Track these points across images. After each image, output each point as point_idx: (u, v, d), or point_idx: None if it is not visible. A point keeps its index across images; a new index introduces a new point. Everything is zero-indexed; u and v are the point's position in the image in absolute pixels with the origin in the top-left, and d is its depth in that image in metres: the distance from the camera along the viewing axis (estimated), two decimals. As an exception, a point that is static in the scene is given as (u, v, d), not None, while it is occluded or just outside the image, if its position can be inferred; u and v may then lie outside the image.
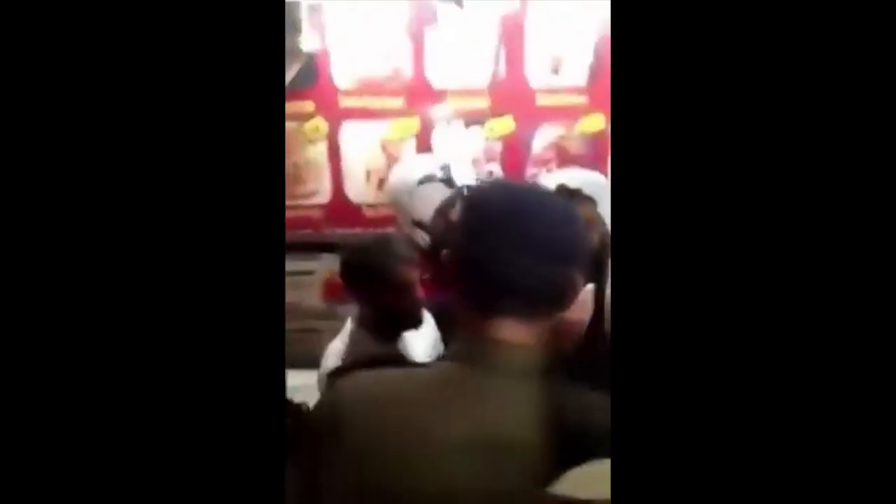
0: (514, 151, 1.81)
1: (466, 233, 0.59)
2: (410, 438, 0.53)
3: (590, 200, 1.07)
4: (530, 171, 1.84)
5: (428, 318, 1.19)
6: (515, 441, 0.52)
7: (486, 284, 0.56)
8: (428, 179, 1.34)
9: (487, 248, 0.55)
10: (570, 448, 0.51)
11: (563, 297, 0.58)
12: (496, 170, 1.83)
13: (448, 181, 1.34)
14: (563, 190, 1.02)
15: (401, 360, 0.63)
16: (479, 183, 1.45)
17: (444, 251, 0.63)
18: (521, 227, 0.55)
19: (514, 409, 0.54)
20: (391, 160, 1.77)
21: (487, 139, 1.79)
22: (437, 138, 1.78)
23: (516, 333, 0.56)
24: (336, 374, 0.62)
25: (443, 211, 1.33)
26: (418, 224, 1.35)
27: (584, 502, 0.44)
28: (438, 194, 1.34)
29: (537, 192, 0.60)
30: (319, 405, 0.60)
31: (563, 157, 1.83)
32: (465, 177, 1.38)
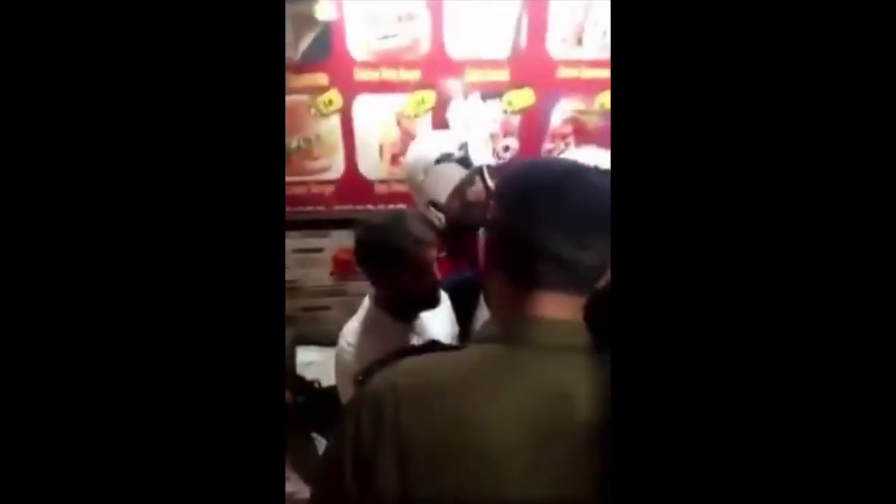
0: (531, 125, 1.76)
1: (507, 207, 0.58)
2: (463, 427, 0.50)
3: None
4: (547, 145, 1.79)
5: (444, 298, 1.18)
6: (573, 420, 0.50)
7: (528, 258, 0.55)
8: (445, 158, 1.30)
9: (529, 220, 0.54)
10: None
11: (602, 269, 0.57)
12: (513, 144, 1.79)
13: (464, 160, 1.30)
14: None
15: (436, 346, 0.61)
16: (496, 162, 1.40)
17: (483, 228, 0.61)
18: (561, 199, 0.54)
19: (566, 387, 0.51)
20: (406, 135, 1.73)
21: (505, 112, 1.75)
22: (453, 112, 1.74)
23: (558, 309, 0.55)
24: (370, 370, 0.58)
25: (459, 190, 1.30)
26: (433, 204, 1.33)
27: None
28: (455, 174, 1.30)
29: (575, 165, 0.58)
30: (357, 401, 0.55)
31: (581, 133, 1.78)
32: (483, 156, 1.35)
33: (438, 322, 1.16)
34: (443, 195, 1.30)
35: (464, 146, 1.31)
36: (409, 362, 0.56)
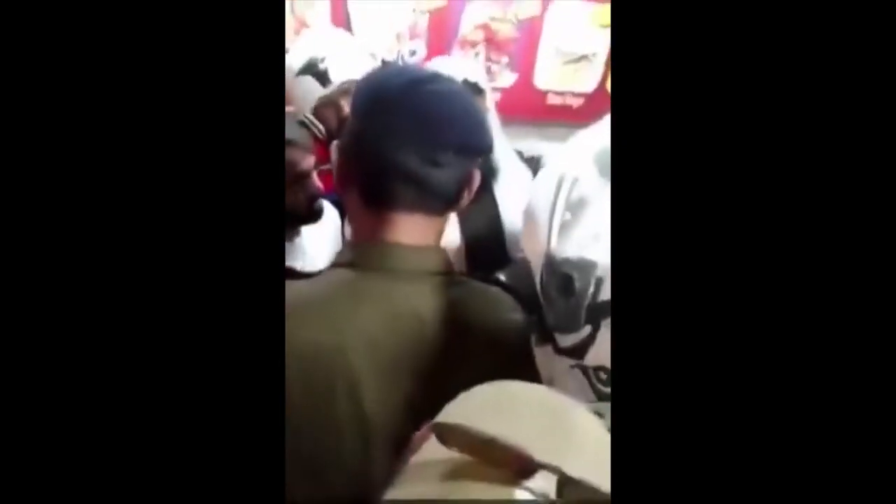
0: (440, 28, 1.65)
1: (357, 117, 0.53)
2: (309, 352, 0.48)
3: (479, 90, 1.04)
4: (456, 52, 1.70)
5: (330, 212, 1.13)
6: (426, 344, 0.49)
7: (377, 174, 0.51)
8: (306, 70, 1.18)
9: (382, 135, 0.50)
10: (487, 353, 0.49)
11: (461, 192, 0.55)
12: (420, 48, 1.68)
13: (322, 76, 1.19)
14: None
15: (288, 274, 0.59)
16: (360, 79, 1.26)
17: (335, 141, 0.56)
18: (418, 115, 0.50)
19: (419, 311, 0.50)
20: (300, 24, 1.56)
21: (414, 11, 1.61)
22: (354, 7, 1.57)
23: (411, 233, 0.53)
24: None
25: (332, 102, 1.19)
26: (303, 117, 1.23)
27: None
28: (311, 89, 1.19)
29: (437, 79, 0.54)
30: None
31: (492, 41, 1.70)
32: (345, 72, 1.20)
33: (322, 239, 1.13)
34: (304, 109, 1.19)
35: (324, 59, 1.19)
36: None
